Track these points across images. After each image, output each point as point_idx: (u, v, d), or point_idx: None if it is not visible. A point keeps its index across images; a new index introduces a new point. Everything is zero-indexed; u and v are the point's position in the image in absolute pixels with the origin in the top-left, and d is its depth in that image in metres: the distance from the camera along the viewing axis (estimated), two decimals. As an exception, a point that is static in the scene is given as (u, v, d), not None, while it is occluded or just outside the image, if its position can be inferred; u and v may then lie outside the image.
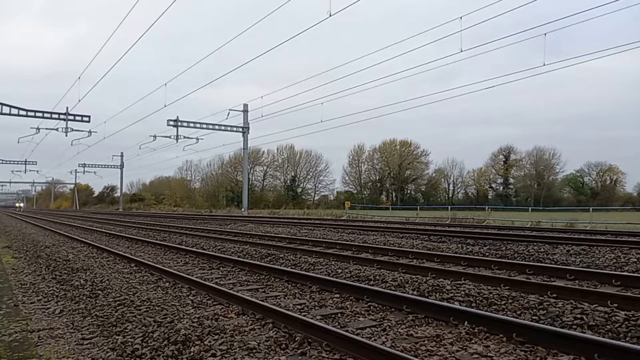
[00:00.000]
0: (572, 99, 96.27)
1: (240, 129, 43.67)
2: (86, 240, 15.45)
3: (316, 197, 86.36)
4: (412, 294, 6.22)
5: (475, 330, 4.59)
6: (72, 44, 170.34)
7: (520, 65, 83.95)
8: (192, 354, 4.02)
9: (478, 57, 56.46)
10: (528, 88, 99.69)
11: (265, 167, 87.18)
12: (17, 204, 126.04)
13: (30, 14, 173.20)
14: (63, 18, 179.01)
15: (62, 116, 35.34)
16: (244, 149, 44.91)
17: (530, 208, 34.87)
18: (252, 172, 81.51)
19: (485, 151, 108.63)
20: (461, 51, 21.94)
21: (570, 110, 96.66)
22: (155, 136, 45.43)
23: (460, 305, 5.66)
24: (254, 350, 4.09)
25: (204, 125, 41.31)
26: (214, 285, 6.86)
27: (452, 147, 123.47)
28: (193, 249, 12.15)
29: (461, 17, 21.41)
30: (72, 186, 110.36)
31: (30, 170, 74.42)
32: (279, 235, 16.15)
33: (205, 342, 4.24)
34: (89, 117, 36.00)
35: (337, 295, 6.46)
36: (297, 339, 4.43)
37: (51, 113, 35.26)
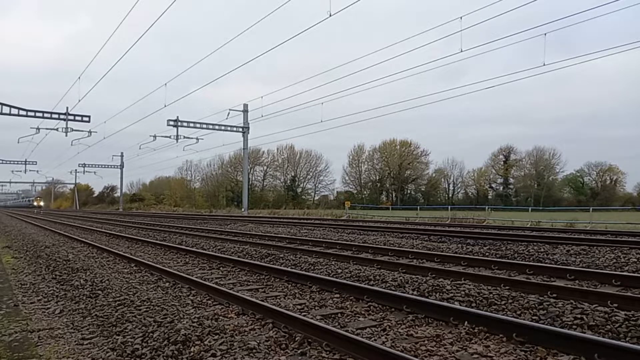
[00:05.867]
0: (574, 98, 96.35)
1: (240, 129, 43.67)
2: (86, 240, 15.45)
3: (316, 197, 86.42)
4: (412, 294, 6.22)
5: (475, 330, 4.59)
6: (72, 42, 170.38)
7: (530, 62, 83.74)
8: (192, 354, 4.02)
9: (484, 55, 56.25)
10: (531, 87, 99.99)
11: (265, 167, 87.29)
12: (35, 203, 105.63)
13: (29, 11, 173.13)
14: (62, 15, 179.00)
15: (62, 116, 35.36)
16: (244, 149, 44.92)
17: (530, 208, 34.93)
18: (252, 172, 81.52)
19: (486, 151, 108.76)
20: (461, 51, 21.96)
21: (571, 109, 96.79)
22: (155, 136, 45.52)
23: (460, 305, 5.66)
24: (254, 350, 4.09)
25: (204, 125, 41.33)
26: (214, 285, 6.86)
27: (452, 147, 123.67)
28: (193, 249, 12.15)
29: (461, 17, 21.42)
30: (72, 186, 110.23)
31: (30, 170, 74.46)
32: (279, 235, 16.15)
33: (205, 342, 4.23)
34: (89, 117, 36.04)
35: (337, 295, 6.45)
36: (297, 339, 4.43)
37: (51, 113, 35.28)
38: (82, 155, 64.20)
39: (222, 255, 10.56)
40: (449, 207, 37.87)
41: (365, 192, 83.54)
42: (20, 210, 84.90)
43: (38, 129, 36.94)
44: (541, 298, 5.63)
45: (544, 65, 21.78)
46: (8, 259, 11.68)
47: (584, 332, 4.47)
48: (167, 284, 7.62)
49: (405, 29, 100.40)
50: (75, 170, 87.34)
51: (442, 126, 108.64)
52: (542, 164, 76.60)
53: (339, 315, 5.47)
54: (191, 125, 40.90)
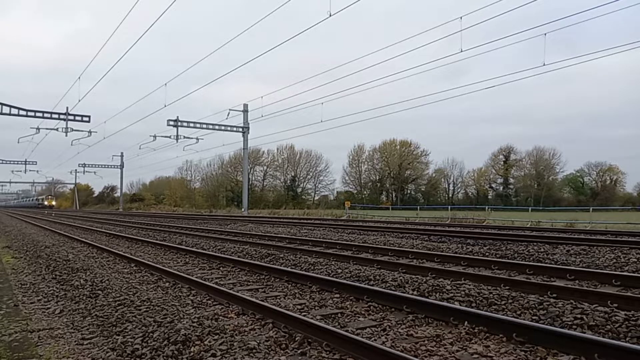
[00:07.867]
0: (574, 98, 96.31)
1: (240, 129, 43.68)
2: (86, 240, 15.45)
3: (316, 197, 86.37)
4: (412, 294, 6.22)
5: (475, 330, 4.59)
6: (72, 42, 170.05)
7: (530, 62, 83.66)
8: (192, 354, 4.02)
9: (484, 55, 56.12)
10: (531, 87, 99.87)
11: (265, 167, 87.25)
12: (46, 202, 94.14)
13: (28, 10, 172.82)
14: (62, 14, 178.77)
15: (62, 116, 35.39)
16: (244, 149, 44.92)
17: (530, 208, 34.87)
18: (252, 172, 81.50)
19: (486, 151, 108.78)
20: (461, 51, 21.96)
21: (571, 109, 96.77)
22: (155, 136, 45.56)
23: (460, 305, 5.66)
24: (254, 350, 4.09)
25: (204, 125, 41.35)
26: (214, 285, 6.86)
27: (452, 147, 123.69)
28: (193, 249, 12.15)
29: (461, 17, 21.42)
30: (72, 186, 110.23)
31: (30, 170, 74.52)
32: (279, 235, 16.14)
33: (205, 342, 4.23)
34: (89, 117, 36.07)
35: (337, 295, 6.45)
36: (297, 339, 4.43)
37: (51, 113, 35.31)
38: (82, 155, 64.31)
39: (222, 255, 10.56)
40: (449, 207, 37.85)
41: (365, 192, 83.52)
42: (24, 210, 79.49)
43: (38, 129, 37.01)
44: (541, 298, 5.63)
45: (544, 65, 21.78)
46: (8, 259, 11.68)
47: (584, 332, 4.47)
48: (167, 284, 7.62)
49: (406, 29, 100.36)
50: (75, 170, 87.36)
51: (442, 126, 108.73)
52: (542, 164, 76.61)
53: (339, 315, 5.47)
54: (191, 125, 40.92)
